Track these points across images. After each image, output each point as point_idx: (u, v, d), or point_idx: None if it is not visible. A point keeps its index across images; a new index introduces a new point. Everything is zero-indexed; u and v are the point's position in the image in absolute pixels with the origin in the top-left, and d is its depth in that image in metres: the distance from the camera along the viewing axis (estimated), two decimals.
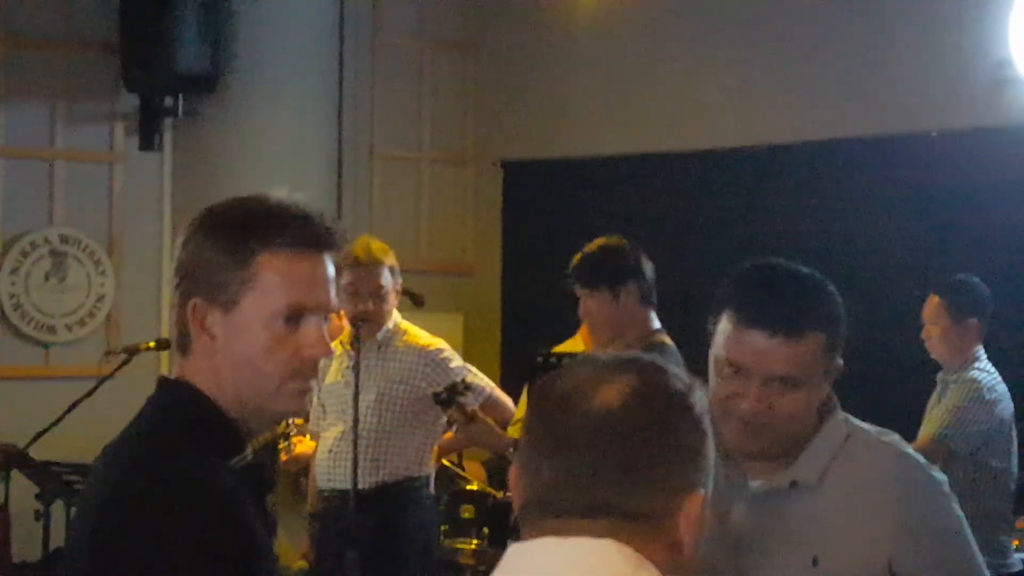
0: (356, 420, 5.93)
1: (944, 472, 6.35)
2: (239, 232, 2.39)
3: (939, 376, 6.38)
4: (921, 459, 2.98)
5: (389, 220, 9.64)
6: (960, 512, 2.95)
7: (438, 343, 6.32)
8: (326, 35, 9.25)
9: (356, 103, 9.59)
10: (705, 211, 8.81)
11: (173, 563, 2.21)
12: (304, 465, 6.68)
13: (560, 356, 5.88)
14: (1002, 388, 6.24)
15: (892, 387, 7.21)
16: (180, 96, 8.93)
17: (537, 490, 1.91)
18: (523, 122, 9.84)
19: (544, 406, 1.95)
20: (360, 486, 6.00)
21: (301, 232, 2.40)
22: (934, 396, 6.37)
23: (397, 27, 9.91)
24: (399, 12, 9.92)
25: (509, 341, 9.66)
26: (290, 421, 6.53)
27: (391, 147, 9.88)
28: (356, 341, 6.03)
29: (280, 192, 2.46)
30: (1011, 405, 6.26)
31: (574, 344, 6.59)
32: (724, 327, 2.88)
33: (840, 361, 2.92)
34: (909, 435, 6.22)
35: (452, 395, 5.59)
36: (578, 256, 5.50)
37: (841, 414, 2.96)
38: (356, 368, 5.99)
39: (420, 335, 6.29)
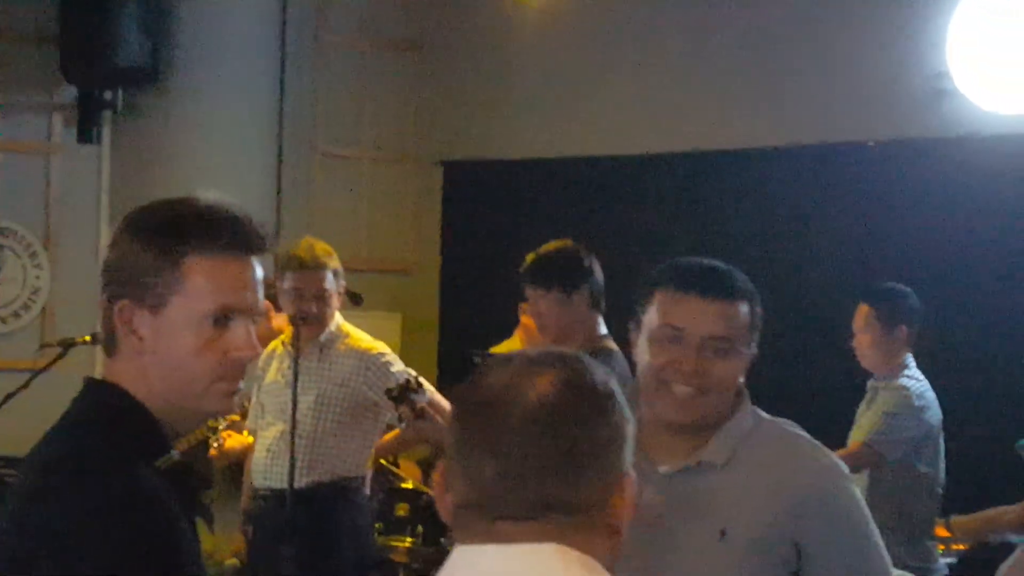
0: (294, 420, 5.92)
1: (873, 477, 6.45)
2: (168, 234, 2.40)
3: (869, 383, 6.43)
4: (821, 445, 3.17)
5: (329, 218, 9.62)
6: (859, 495, 3.16)
7: (380, 347, 6.31)
8: (269, 32, 9.23)
9: (298, 100, 9.58)
10: (643, 215, 8.86)
11: (95, 566, 2.21)
12: (234, 460, 6.68)
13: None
14: (931, 395, 6.31)
15: (823, 394, 7.28)
16: (120, 89, 8.90)
17: (480, 490, 1.93)
18: (464, 123, 9.86)
19: (476, 405, 1.97)
20: (296, 485, 6.01)
21: (230, 235, 2.41)
22: (864, 403, 6.42)
23: (340, 25, 9.90)
24: (342, 10, 9.91)
25: (447, 341, 9.68)
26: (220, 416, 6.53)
27: (332, 145, 9.87)
28: (296, 341, 6.03)
29: (210, 194, 2.47)
30: (939, 412, 6.32)
31: (511, 344, 6.62)
32: (659, 301, 3.09)
33: (756, 349, 3.13)
34: (839, 441, 6.31)
35: (404, 391, 5.61)
36: (532, 256, 5.50)
37: (750, 405, 3.16)
38: (295, 368, 5.99)
39: (362, 338, 6.28)
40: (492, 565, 1.92)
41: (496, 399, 1.94)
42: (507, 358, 2.04)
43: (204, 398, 2.43)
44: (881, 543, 3.14)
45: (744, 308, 3.08)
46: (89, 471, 2.30)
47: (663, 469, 3.08)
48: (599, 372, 1.99)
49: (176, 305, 2.38)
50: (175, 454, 2.40)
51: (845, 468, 3.15)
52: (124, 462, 2.32)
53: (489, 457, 1.92)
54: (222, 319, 2.41)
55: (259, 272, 2.47)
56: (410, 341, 9.38)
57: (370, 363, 6.21)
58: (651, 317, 3.09)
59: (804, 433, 3.17)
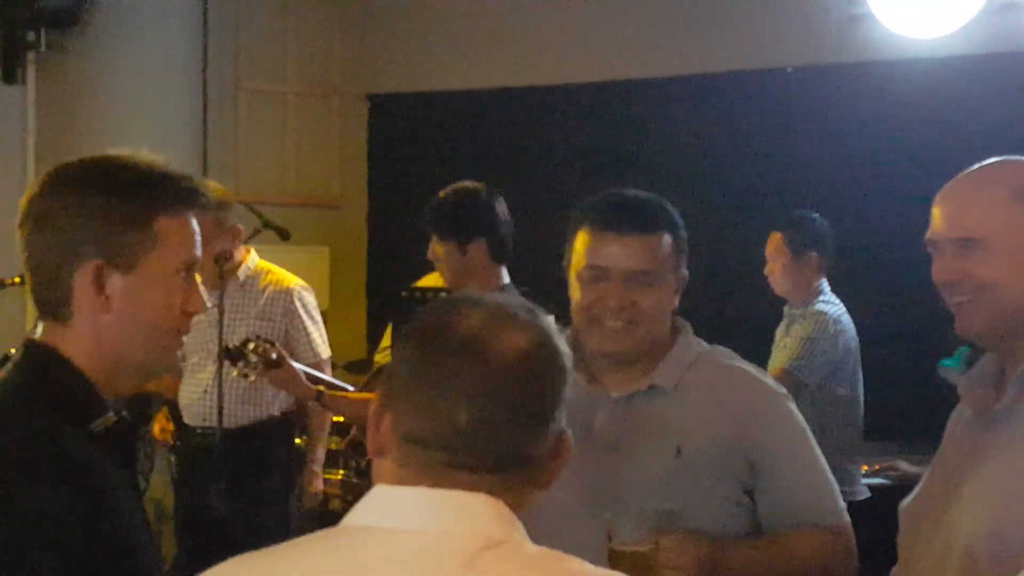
0: (221, 360, 5.88)
1: (795, 402, 6.53)
2: (139, 192, 2.40)
3: (785, 310, 6.55)
4: (762, 370, 3.36)
5: (255, 153, 9.64)
6: (799, 414, 3.31)
7: (298, 282, 6.37)
8: None
9: (221, 36, 9.53)
10: (567, 144, 8.92)
11: (21, 532, 2.18)
12: None
13: (423, 291, 5.96)
14: (847, 319, 6.42)
15: (740, 321, 7.38)
16: (43, 30, 8.85)
17: (444, 433, 1.90)
18: (390, 55, 9.86)
19: (448, 345, 1.93)
20: (230, 425, 6.07)
21: (187, 191, 2.45)
22: (780, 329, 6.53)
23: None
24: None
25: (375, 274, 9.74)
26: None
27: (257, 80, 9.84)
28: (221, 279, 6.00)
29: (129, 149, 2.46)
30: (856, 336, 6.45)
31: (435, 279, 6.67)
32: (582, 240, 3.20)
33: (686, 272, 3.25)
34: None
35: (243, 350, 5.43)
36: (434, 200, 5.36)
37: (692, 335, 3.30)
38: (220, 306, 5.96)
39: (285, 275, 6.36)
40: (415, 507, 1.90)
41: (472, 343, 1.91)
42: (474, 301, 1.99)
43: (163, 354, 2.45)
44: (822, 458, 3.29)
45: (666, 238, 3.18)
46: (18, 438, 2.28)
47: (614, 394, 3.20)
48: (558, 333, 2.00)
49: (149, 263, 2.39)
50: (112, 417, 2.38)
51: (784, 390, 3.32)
52: (55, 428, 2.29)
53: (464, 402, 1.88)
54: (187, 273, 2.44)
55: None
56: (338, 275, 9.45)
57: (292, 298, 6.27)
58: (576, 257, 3.20)
59: (743, 361, 3.32)
